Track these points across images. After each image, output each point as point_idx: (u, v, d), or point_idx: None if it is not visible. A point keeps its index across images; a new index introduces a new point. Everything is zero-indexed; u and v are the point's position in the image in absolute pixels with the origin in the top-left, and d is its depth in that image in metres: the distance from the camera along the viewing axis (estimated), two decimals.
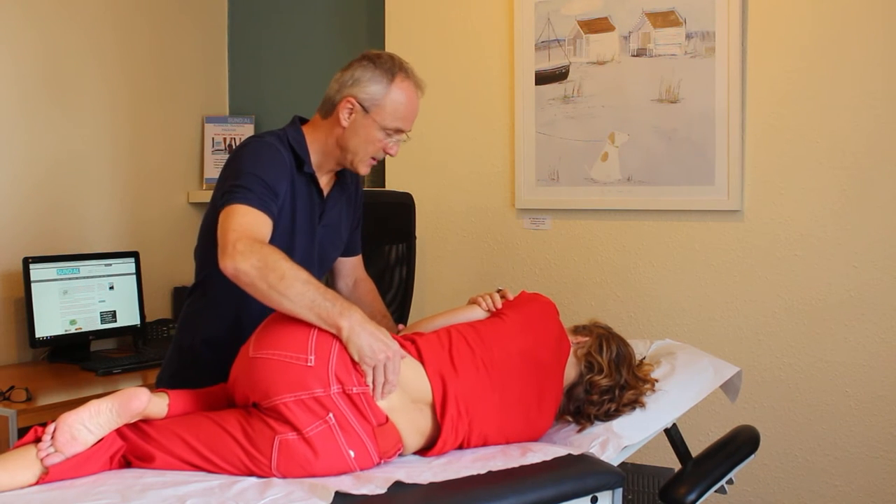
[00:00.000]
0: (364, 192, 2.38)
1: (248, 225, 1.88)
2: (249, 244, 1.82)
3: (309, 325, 1.79)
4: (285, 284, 1.77)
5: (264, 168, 1.98)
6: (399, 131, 2.10)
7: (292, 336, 1.78)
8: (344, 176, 2.21)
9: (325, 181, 2.16)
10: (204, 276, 2.13)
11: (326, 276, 2.40)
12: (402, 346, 1.89)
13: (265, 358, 1.76)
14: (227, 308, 2.04)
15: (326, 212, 2.16)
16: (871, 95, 2.70)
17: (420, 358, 1.88)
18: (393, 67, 2.08)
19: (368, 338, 1.77)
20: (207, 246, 2.06)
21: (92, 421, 1.70)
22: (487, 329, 2.00)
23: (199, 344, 2.13)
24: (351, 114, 2.06)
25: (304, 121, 2.18)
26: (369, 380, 1.77)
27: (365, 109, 2.05)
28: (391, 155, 2.14)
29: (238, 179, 1.96)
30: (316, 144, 2.12)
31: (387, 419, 1.80)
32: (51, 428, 1.69)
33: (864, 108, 2.72)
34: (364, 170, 2.14)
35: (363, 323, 1.78)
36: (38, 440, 1.70)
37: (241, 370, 1.82)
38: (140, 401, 1.74)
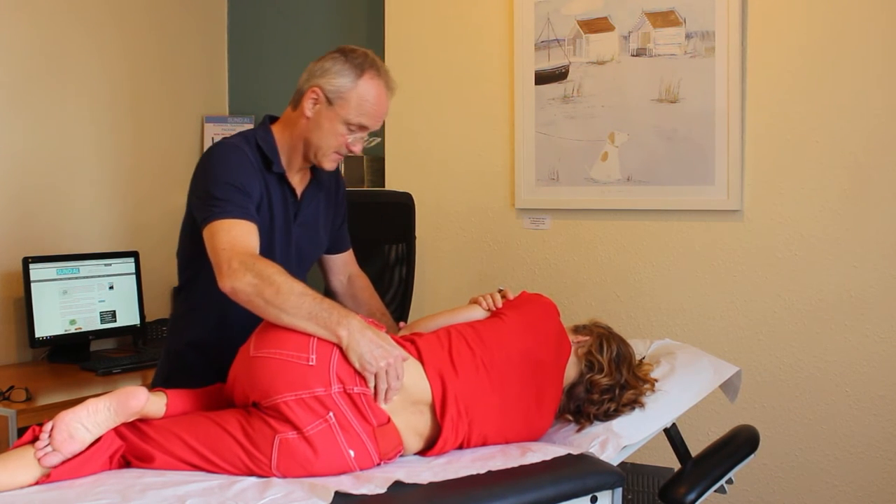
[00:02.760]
0: (364, 192, 2.38)
1: (235, 240, 1.88)
2: (242, 261, 1.83)
3: None
4: (282, 298, 1.77)
5: (233, 172, 1.97)
6: (362, 128, 2.06)
7: (294, 336, 1.78)
8: (319, 173, 2.18)
9: (297, 179, 2.14)
10: (186, 279, 2.13)
11: (321, 274, 2.40)
12: (402, 346, 1.90)
13: (266, 357, 1.76)
14: (211, 310, 2.03)
15: (301, 211, 2.15)
16: (871, 95, 2.70)
17: (420, 358, 1.89)
18: (364, 63, 2.04)
19: (368, 344, 1.77)
20: (186, 249, 2.06)
21: (90, 420, 1.70)
22: (487, 329, 2.00)
23: (183, 347, 2.13)
24: (315, 104, 2.04)
25: (274, 119, 2.16)
26: (371, 386, 1.78)
27: (329, 101, 2.02)
28: (354, 152, 2.11)
29: (212, 191, 1.94)
30: (284, 140, 2.10)
31: (388, 419, 1.80)
32: (48, 427, 1.69)
33: (863, 108, 2.72)
34: (328, 165, 2.10)
35: (362, 330, 1.78)
36: (35, 439, 1.70)
37: (240, 369, 1.82)
38: (138, 400, 1.74)
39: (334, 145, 2.06)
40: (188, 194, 2.05)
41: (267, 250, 1.99)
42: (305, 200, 2.16)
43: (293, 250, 2.14)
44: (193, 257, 1.97)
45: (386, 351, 1.78)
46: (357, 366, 1.76)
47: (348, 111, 2.02)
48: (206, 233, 1.91)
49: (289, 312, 1.77)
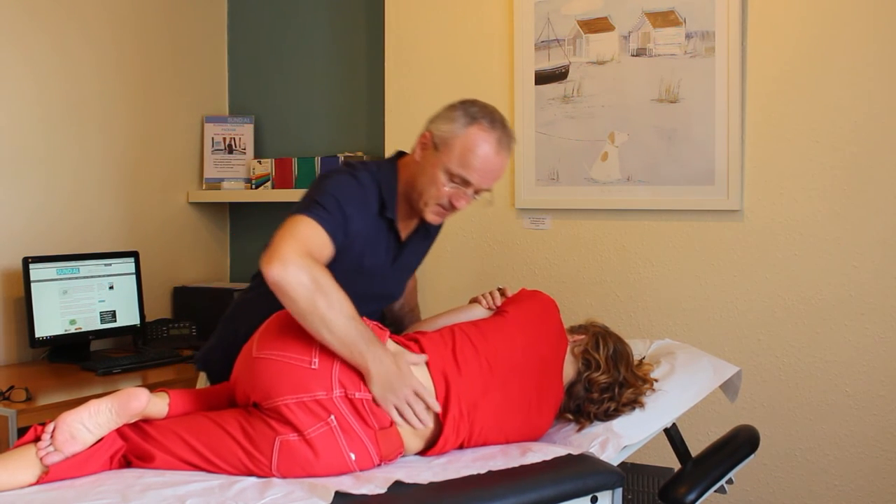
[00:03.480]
0: None
1: (312, 240, 1.82)
2: (306, 260, 1.75)
3: None
4: (332, 315, 1.72)
5: (345, 199, 1.92)
6: (465, 182, 1.97)
7: (296, 338, 1.78)
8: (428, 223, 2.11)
9: (405, 224, 2.09)
10: None
11: None
12: (406, 346, 1.90)
13: (268, 358, 1.76)
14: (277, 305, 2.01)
15: (402, 255, 2.11)
16: (871, 95, 2.70)
17: None
18: (477, 114, 1.97)
19: (392, 379, 1.77)
20: None
21: (91, 420, 1.71)
22: (490, 326, 2.01)
23: (232, 332, 2.11)
24: (424, 149, 1.99)
25: (403, 155, 2.10)
26: (395, 416, 1.78)
27: (436, 146, 1.97)
28: (457, 207, 2.01)
29: (317, 197, 1.90)
30: (402, 183, 2.04)
31: (391, 423, 1.80)
32: (50, 427, 1.70)
33: (863, 108, 2.72)
34: (430, 216, 2.02)
35: (390, 365, 1.77)
36: (37, 439, 1.71)
37: (243, 369, 1.82)
38: (139, 401, 1.74)
39: (435, 195, 1.98)
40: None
41: (344, 284, 1.89)
42: (409, 246, 2.12)
43: (376, 289, 2.08)
44: None
45: (402, 383, 1.78)
46: (379, 398, 1.76)
47: (450, 159, 1.95)
48: (287, 220, 1.85)
49: (331, 331, 1.72)
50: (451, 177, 1.96)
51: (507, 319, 2.03)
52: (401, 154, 2.11)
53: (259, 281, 2.10)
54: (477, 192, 2.01)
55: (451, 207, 2.02)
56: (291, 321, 1.82)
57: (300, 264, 1.73)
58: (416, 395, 1.80)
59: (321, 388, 1.73)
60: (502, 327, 2.01)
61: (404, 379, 1.79)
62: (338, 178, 1.99)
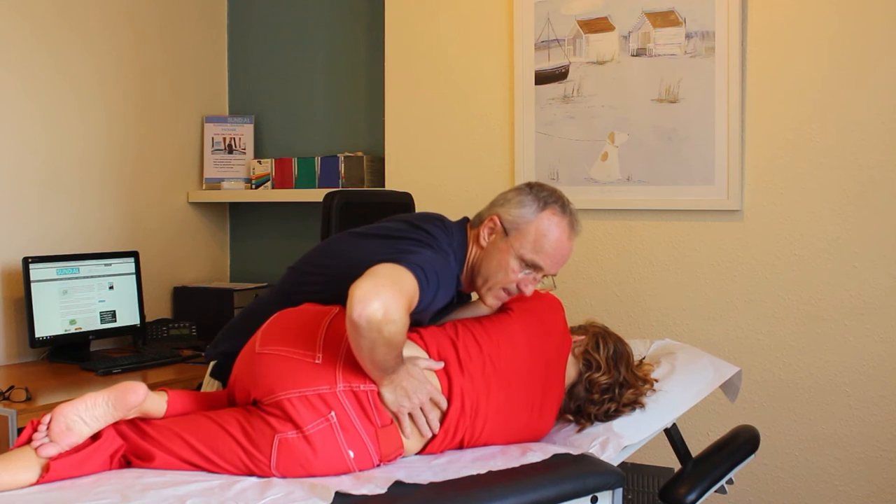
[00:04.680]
0: (364, 192, 2.35)
1: (412, 299, 1.72)
2: (403, 319, 1.65)
3: (318, 324, 1.79)
4: (381, 357, 1.68)
5: (442, 283, 1.86)
6: (536, 268, 1.95)
7: (300, 335, 1.78)
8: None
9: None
10: (312, 293, 1.96)
11: None
12: (408, 337, 1.90)
13: (272, 354, 1.76)
14: None
15: (446, 311, 2.11)
16: (871, 94, 2.71)
17: (426, 352, 1.89)
18: (549, 198, 1.96)
19: (406, 384, 1.77)
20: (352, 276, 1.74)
21: (88, 413, 1.71)
22: (493, 324, 2.00)
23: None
24: (491, 233, 1.97)
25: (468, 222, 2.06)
26: (406, 424, 1.79)
27: (506, 231, 1.94)
28: (524, 293, 1.98)
29: (424, 263, 1.79)
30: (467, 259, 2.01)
31: (391, 421, 1.80)
32: (46, 418, 1.70)
33: (864, 108, 2.72)
34: (491, 301, 1.99)
35: (403, 374, 1.77)
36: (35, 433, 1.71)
37: (244, 366, 1.82)
38: (136, 395, 1.73)
39: (502, 281, 1.95)
40: (378, 228, 1.97)
41: None
42: (455, 305, 2.12)
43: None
44: (346, 277, 1.73)
45: (419, 388, 1.78)
46: (391, 405, 1.77)
47: (523, 244, 1.93)
48: (394, 266, 1.72)
49: (373, 363, 1.70)
50: (524, 263, 1.94)
51: (512, 318, 2.03)
52: (466, 220, 2.08)
53: (285, 296, 2.02)
54: (544, 275, 2.00)
55: (518, 293, 2.00)
56: (295, 319, 1.81)
57: (394, 321, 1.64)
58: (432, 401, 1.82)
59: (325, 383, 1.73)
60: (507, 325, 2.00)
61: (421, 384, 1.79)
62: (438, 257, 1.90)
